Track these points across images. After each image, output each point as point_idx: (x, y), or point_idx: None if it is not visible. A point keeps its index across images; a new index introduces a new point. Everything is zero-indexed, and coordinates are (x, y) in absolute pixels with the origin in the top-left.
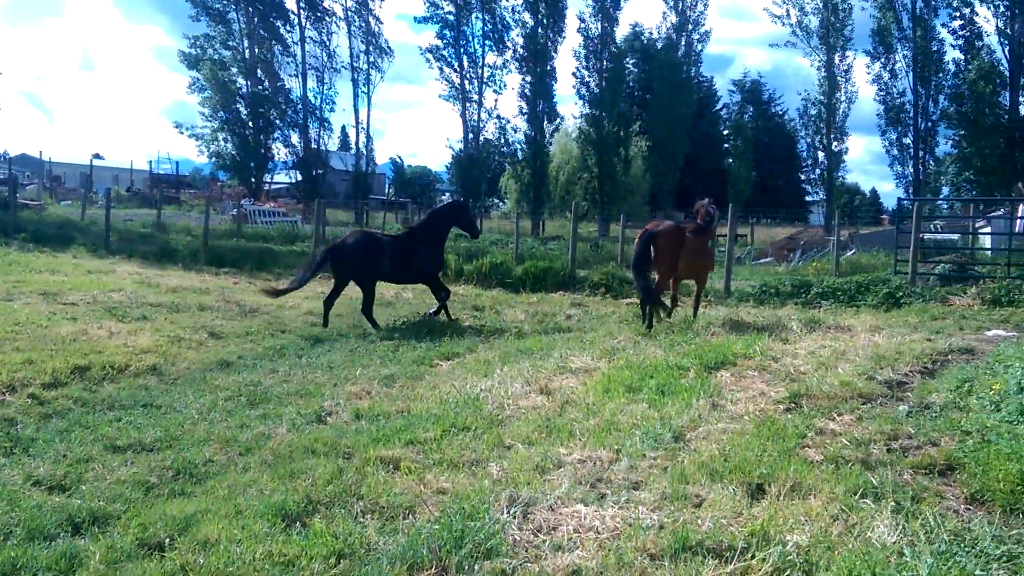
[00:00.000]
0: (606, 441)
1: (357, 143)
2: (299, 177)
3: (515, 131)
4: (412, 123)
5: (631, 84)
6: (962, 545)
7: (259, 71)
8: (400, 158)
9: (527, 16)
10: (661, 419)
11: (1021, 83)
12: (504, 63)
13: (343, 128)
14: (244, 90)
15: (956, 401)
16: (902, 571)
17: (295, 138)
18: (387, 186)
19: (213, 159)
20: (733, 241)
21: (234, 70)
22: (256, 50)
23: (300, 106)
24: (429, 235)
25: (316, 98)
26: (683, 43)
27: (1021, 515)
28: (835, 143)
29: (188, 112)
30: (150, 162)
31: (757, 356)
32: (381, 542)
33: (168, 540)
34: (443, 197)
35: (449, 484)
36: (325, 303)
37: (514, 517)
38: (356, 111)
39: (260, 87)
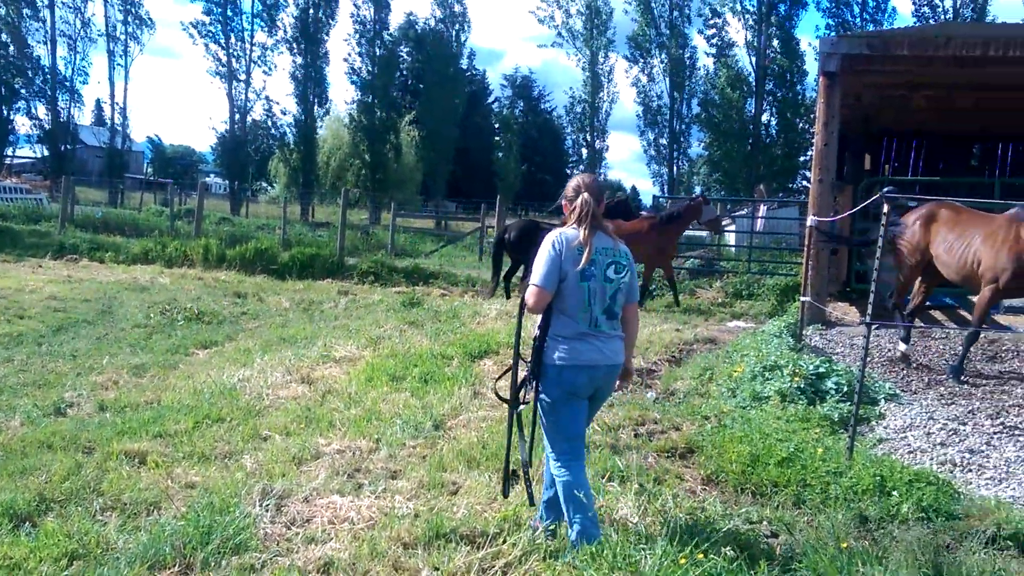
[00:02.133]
0: (367, 430)
1: (112, 118)
2: (46, 152)
3: (284, 114)
4: (176, 101)
5: (404, 73)
6: (696, 524)
7: (3, 34)
8: (158, 137)
9: None
10: (423, 408)
11: (764, 92)
12: (275, 44)
13: (97, 102)
14: None
15: (698, 388)
16: (641, 551)
17: (42, 110)
18: (145, 165)
19: None
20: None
21: None
22: (1, 10)
23: (48, 75)
24: None
25: (67, 68)
26: (453, 35)
27: (750, 493)
28: (598, 141)
29: None
30: None
31: None
32: (121, 541)
33: None
34: (206, 178)
35: (199, 478)
36: (506, 277)
37: (267, 510)
38: (112, 84)
39: (3, 51)
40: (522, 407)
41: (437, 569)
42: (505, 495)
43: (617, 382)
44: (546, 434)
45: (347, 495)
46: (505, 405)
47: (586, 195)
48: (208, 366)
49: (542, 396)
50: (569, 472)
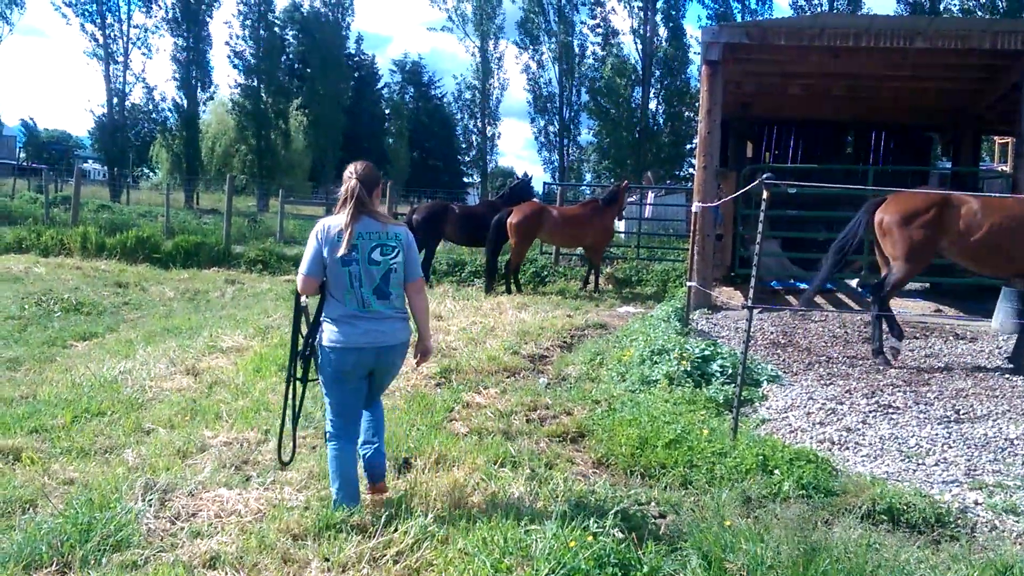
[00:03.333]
0: (255, 422)
1: None
2: None
3: (163, 99)
4: (50, 83)
5: (291, 57)
6: (586, 507)
7: None
8: (32, 120)
9: None
10: (313, 397)
11: (651, 80)
12: (156, 25)
13: None
14: None
15: (589, 373)
16: (531, 535)
17: None
18: (18, 150)
19: None
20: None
21: None
22: None
23: None
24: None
25: None
26: (339, 19)
27: (639, 475)
28: (489, 127)
29: None
30: None
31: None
32: None
33: None
34: (84, 164)
35: (78, 474)
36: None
37: (150, 505)
38: None
39: None
40: (310, 382)
41: (327, 560)
42: (282, 463)
43: (406, 360)
44: (327, 407)
45: (234, 488)
46: None
47: (353, 181)
48: (87, 358)
49: (321, 375)
50: (336, 445)
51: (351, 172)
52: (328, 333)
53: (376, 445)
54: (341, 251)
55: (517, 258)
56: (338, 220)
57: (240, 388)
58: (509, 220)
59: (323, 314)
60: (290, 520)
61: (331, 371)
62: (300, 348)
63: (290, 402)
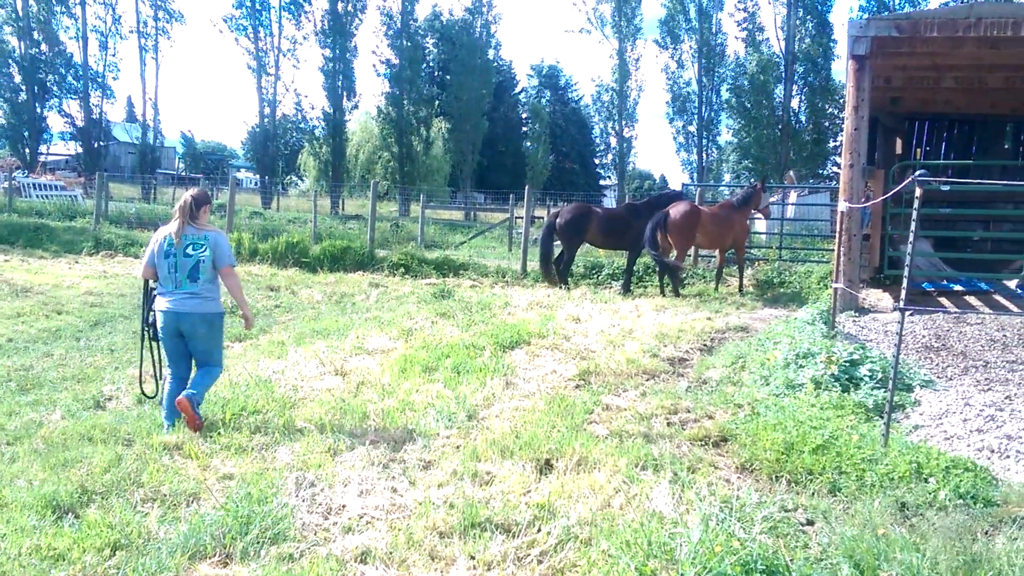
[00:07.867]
0: (400, 421)
1: (144, 114)
2: (79, 149)
3: (312, 108)
4: (206, 96)
5: (431, 65)
6: (730, 511)
7: (36, 32)
8: (190, 132)
9: None
10: (456, 398)
11: (795, 77)
12: (304, 37)
13: (129, 98)
14: (16, 52)
15: (730, 376)
16: (675, 539)
17: (74, 107)
18: (177, 160)
19: None
20: (530, 223)
21: (8, 30)
22: (33, 8)
23: (80, 72)
24: (648, 212)
25: (99, 64)
26: (479, 26)
27: (784, 481)
28: (626, 129)
29: None
30: None
31: (550, 335)
32: (162, 531)
33: None
34: (237, 173)
35: (236, 469)
36: (555, 262)
37: (303, 501)
38: (143, 80)
39: (36, 50)
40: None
41: (473, 558)
42: (144, 394)
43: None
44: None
45: (382, 484)
46: None
47: (188, 197)
48: (243, 359)
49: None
50: (169, 382)
51: (188, 192)
52: (155, 304)
53: (188, 386)
54: (165, 247)
55: (681, 257)
56: (169, 228)
57: (386, 388)
58: (672, 219)
59: (155, 292)
60: (436, 518)
61: (158, 329)
62: (145, 315)
63: (146, 350)
